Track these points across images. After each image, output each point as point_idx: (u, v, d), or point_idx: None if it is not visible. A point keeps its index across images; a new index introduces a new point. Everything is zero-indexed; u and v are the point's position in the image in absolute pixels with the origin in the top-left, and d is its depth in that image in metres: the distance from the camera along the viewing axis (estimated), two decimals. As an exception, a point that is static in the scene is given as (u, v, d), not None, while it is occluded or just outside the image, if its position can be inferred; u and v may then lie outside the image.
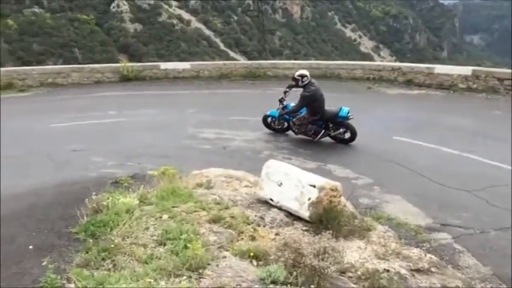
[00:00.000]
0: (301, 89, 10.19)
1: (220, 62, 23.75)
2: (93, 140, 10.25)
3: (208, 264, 4.15)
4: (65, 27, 79.21)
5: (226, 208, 5.42)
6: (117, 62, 24.95)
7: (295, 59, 57.67)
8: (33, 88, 17.26)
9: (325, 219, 5.09)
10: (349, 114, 9.99)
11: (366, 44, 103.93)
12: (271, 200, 5.59)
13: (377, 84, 16.77)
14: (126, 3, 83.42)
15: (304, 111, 10.21)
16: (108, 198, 5.59)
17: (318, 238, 4.23)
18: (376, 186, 7.75)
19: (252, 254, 4.37)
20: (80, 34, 79.23)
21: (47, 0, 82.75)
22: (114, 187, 6.52)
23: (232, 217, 5.16)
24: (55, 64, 58.43)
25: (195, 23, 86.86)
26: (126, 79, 18.27)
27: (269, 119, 10.99)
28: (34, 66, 24.19)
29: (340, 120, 10.10)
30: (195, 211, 5.37)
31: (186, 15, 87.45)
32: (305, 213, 5.22)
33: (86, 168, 8.05)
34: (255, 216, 5.33)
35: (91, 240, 4.64)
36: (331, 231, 4.46)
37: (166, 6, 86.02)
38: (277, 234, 5.00)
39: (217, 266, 4.15)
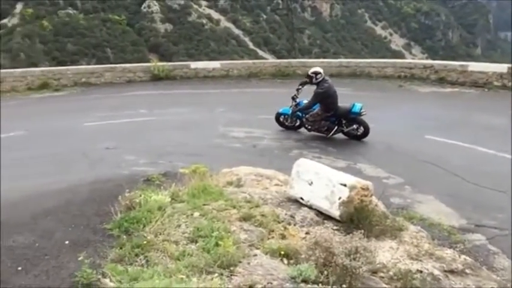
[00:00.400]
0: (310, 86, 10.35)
1: (250, 61, 23.80)
2: (125, 138, 10.44)
3: (240, 262, 4.18)
4: (97, 28, 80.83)
5: (257, 206, 5.44)
6: (147, 61, 25.40)
7: (324, 58, 57.28)
8: (67, 87, 17.68)
9: (356, 218, 5.05)
10: (362, 111, 10.05)
11: (397, 42, 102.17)
12: (302, 198, 5.58)
13: (408, 82, 16.51)
14: (156, 3, 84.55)
15: (317, 108, 10.28)
16: (141, 196, 5.70)
17: (349, 237, 4.21)
18: (408, 185, 7.64)
19: (282, 252, 4.39)
20: (112, 34, 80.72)
21: (81, 2, 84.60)
22: (146, 185, 6.63)
23: (262, 215, 5.18)
24: (88, 64, 59.74)
25: (224, 23, 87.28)
26: (157, 78, 18.52)
27: (281, 117, 11.09)
28: (68, 66, 24.80)
29: (353, 117, 10.18)
30: (226, 209, 5.41)
31: (215, 15, 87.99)
32: (335, 213, 5.20)
33: (118, 166, 8.18)
34: (285, 214, 5.34)
35: (125, 237, 4.74)
36: (362, 231, 4.43)
37: (196, 6, 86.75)
38: (307, 233, 4.99)
39: (248, 263, 4.18)
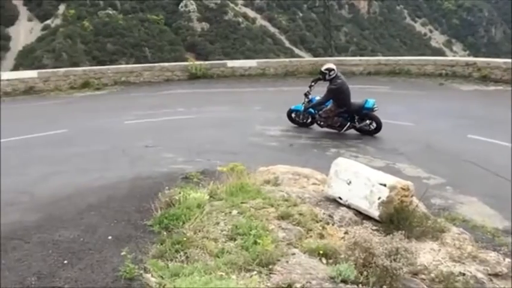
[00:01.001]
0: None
1: (286, 60, 23.76)
2: (163, 136, 10.61)
3: (278, 261, 4.19)
4: (136, 28, 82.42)
5: (295, 205, 5.43)
6: (184, 60, 25.72)
7: (361, 55, 56.53)
8: (108, 86, 18.12)
9: (396, 219, 4.97)
10: (374, 106, 10.16)
11: (437, 39, 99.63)
12: (340, 198, 5.54)
13: (450, 80, 16.11)
14: (193, 2, 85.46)
15: (330, 104, 10.44)
16: (180, 193, 5.78)
17: (389, 238, 4.15)
18: (449, 186, 7.46)
19: (321, 251, 4.37)
20: (150, 34, 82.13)
21: (120, 2, 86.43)
22: (184, 182, 6.72)
23: (300, 214, 5.17)
24: (127, 63, 60.92)
25: (260, 21, 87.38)
26: (194, 77, 18.74)
27: (293, 114, 11.20)
28: (109, 66, 25.41)
29: (366, 112, 10.29)
30: (264, 207, 5.43)
31: (251, 13, 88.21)
32: (375, 213, 5.14)
33: (157, 164, 8.30)
34: (324, 214, 5.31)
35: (165, 233, 4.83)
36: (402, 232, 4.35)
37: (232, 5, 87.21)
38: (346, 232, 4.96)
39: (287, 262, 4.18)
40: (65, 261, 4.38)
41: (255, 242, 4.42)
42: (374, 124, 10.30)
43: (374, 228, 5.05)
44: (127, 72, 19.40)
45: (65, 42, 77.83)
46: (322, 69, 10.55)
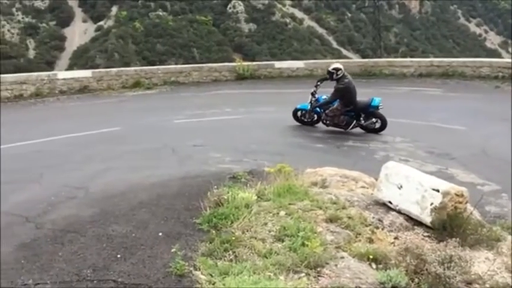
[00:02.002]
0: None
1: (334, 60, 23.47)
2: (211, 136, 10.74)
3: (327, 264, 4.17)
4: (185, 29, 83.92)
5: (343, 208, 5.38)
6: (231, 61, 25.93)
7: (412, 56, 55.15)
8: (157, 86, 18.54)
9: (449, 226, 4.82)
10: (380, 104, 10.40)
11: (493, 40, 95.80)
12: (390, 202, 5.43)
13: (507, 83, 15.44)
14: (241, 3, 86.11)
15: (336, 103, 10.63)
16: (228, 193, 5.83)
17: (442, 245, 4.04)
18: (505, 193, 7.15)
19: (370, 256, 4.31)
20: (198, 35, 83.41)
21: (170, 4, 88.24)
22: (232, 182, 6.77)
23: (349, 218, 5.11)
24: (175, 63, 62.14)
25: (308, 22, 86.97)
26: (241, 78, 18.89)
27: (299, 113, 11.37)
28: (159, 66, 26.01)
29: (371, 111, 10.52)
30: (312, 209, 5.41)
31: (299, 14, 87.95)
32: (427, 219, 5.00)
33: (205, 163, 8.41)
34: (373, 218, 5.23)
35: (214, 232, 4.89)
36: (456, 239, 4.22)
37: (280, 6, 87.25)
38: (396, 238, 4.86)
39: (336, 266, 4.15)
40: (118, 255, 4.52)
41: (303, 244, 4.42)
42: (379, 122, 10.53)
43: (425, 234, 4.93)
44: (176, 72, 19.79)
45: (117, 42, 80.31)
46: (330, 69, 10.77)
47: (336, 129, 10.84)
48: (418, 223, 5.15)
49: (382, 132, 10.53)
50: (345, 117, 10.69)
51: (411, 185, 5.24)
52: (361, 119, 10.65)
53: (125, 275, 4.15)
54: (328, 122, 10.91)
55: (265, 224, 5.08)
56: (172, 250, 4.48)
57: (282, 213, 5.31)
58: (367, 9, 72.44)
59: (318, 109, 11.05)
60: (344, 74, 10.61)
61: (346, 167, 7.32)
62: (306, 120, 11.37)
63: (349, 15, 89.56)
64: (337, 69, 10.61)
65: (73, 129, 11.04)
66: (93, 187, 6.88)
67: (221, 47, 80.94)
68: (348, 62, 22.42)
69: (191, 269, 4.18)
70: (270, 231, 4.89)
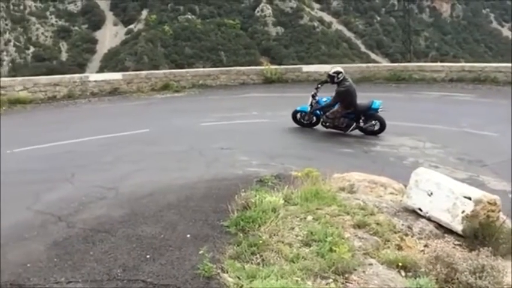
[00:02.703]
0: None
1: (363, 65, 23.31)
2: (238, 139, 10.80)
3: (354, 270, 4.14)
4: (213, 32, 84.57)
5: (372, 214, 5.33)
6: (258, 64, 25.98)
7: (442, 61, 54.09)
8: (186, 89, 18.74)
9: (481, 234, 4.73)
10: (380, 107, 10.61)
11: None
12: (420, 209, 5.36)
13: (541, 89, 15.01)
14: (269, 7, 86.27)
15: (337, 106, 10.84)
16: (256, 196, 5.85)
17: (474, 254, 3.95)
18: (539, 202, 6.94)
19: (400, 263, 4.25)
20: (226, 38, 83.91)
21: (199, 7, 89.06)
22: (259, 185, 6.78)
23: (377, 224, 5.07)
24: (203, 66, 62.63)
25: (336, 25, 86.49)
26: (269, 81, 18.92)
27: (298, 115, 11.59)
28: (188, 69, 26.26)
29: (371, 113, 10.72)
30: (339, 215, 5.38)
31: (327, 17, 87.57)
32: (458, 227, 4.92)
33: (233, 166, 8.45)
34: (402, 225, 5.16)
35: (241, 235, 4.92)
36: (489, 248, 4.13)
37: (308, 9, 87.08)
38: (426, 245, 4.79)
39: (364, 272, 4.12)
40: (148, 256, 4.59)
41: (331, 250, 4.40)
42: (378, 124, 10.71)
43: (456, 242, 4.84)
44: (204, 75, 19.98)
45: (146, 45, 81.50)
46: (331, 72, 11.02)
47: (366, 135, 10.76)
48: (448, 231, 5.07)
49: (413, 138, 10.38)
50: (345, 119, 10.93)
51: (442, 192, 5.16)
52: (361, 121, 10.86)
53: (154, 275, 4.22)
54: (328, 124, 11.16)
55: (293, 228, 5.08)
56: (200, 252, 4.53)
57: (309, 218, 5.30)
58: (397, 13, 71.71)
59: (317, 111, 11.28)
60: (345, 77, 10.89)
61: (374, 173, 7.25)
62: (305, 122, 11.61)
63: (378, 18, 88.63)
64: (338, 73, 10.89)
65: (104, 130, 11.26)
66: (123, 188, 7.00)
67: (248, 51, 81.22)
68: (376, 66, 22.17)
69: (219, 271, 4.21)
70: (297, 236, 4.89)
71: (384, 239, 4.82)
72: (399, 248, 4.71)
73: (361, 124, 10.86)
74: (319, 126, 11.45)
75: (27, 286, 4.11)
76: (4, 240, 5.07)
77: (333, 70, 11.07)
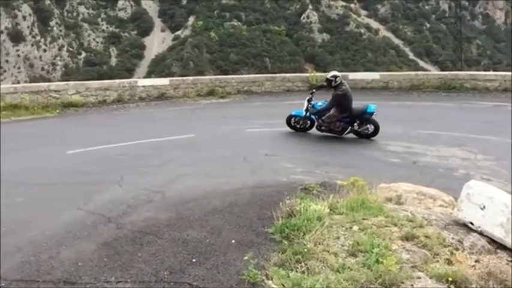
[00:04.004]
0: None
1: (412, 73, 22.80)
2: (283, 146, 10.82)
3: (402, 283, 4.04)
4: (258, 38, 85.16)
5: (420, 227, 5.19)
6: (303, 71, 25.94)
7: (495, 70, 52.29)
8: (231, 95, 18.93)
9: (537, 252, 4.51)
10: (375, 111, 10.92)
11: None
12: (471, 223, 5.17)
13: None
14: (315, 14, 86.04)
15: (333, 110, 11.08)
16: (301, 204, 5.82)
17: (530, 273, 3.78)
18: None
19: (450, 278, 4.11)
20: (271, 44, 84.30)
21: (245, 14, 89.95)
22: (304, 193, 6.75)
23: (426, 237, 4.93)
24: (248, 73, 63.15)
25: (384, 32, 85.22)
26: (314, 88, 18.79)
27: (293, 120, 11.84)
28: (233, 75, 26.55)
29: (367, 117, 11.01)
30: (386, 226, 5.27)
31: (374, 24, 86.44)
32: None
33: (277, 173, 8.44)
34: (452, 239, 5.00)
35: (286, 242, 4.90)
36: (546, 267, 3.94)
37: (354, 16, 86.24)
38: (477, 261, 4.61)
39: (412, 285, 4.02)
40: (193, 260, 4.65)
41: (378, 261, 4.31)
42: (372, 127, 11.03)
43: (510, 259, 4.63)
44: (250, 81, 20.12)
45: (192, 51, 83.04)
46: (328, 76, 11.30)
47: (417, 144, 10.51)
48: (501, 246, 4.86)
49: (463, 149, 10.06)
50: (341, 123, 11.18)
51: (495, 206, 4.96)
52: (355, 124, 11.15)
53: (200, 279, 4.27)
54: (323, 128, 11.39)
55: (338, 237, 5.02)
56: (245, 258, 4.55)
57: (355, 228, 5.23)
58: (448, 20, 69.85)
59: (311, 116, 11.51)
60: (341, 81, 11.18)
61: (423, 184, 7.07)
62: (299, 126, 11.82)
63: (428, 25, 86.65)
64: (335, 77, 11.13)
65: (151, 134, 11.54)
66: (169, 191, 7.13)
67: (293, 57, 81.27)
68: (426, 74, 21.61)
69: (263, 278, 4.22)
70: (342, 246, 4.82)
71: (433, 253, 4.68)
72: (449, 262, 4.56)
73: (356, 127, 11.18)
74: (313, 130, 11.71)
75: (79, 284, 4.25)
76: (58, 239, 5.28)
77: (331, 74, 11.32)
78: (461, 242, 4.95)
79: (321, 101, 11.50)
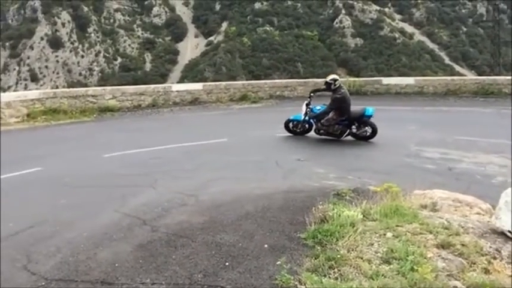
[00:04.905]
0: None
1: (448, 78, 22.38)
2: (314, 151, 10.80)
3: (438, 292, 3.97)
4: (290, 43, 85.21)
5: (456, 234, 5.08)
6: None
7: (535, 74, 50.55)
8: (263, 100, 19.05)
9: None
10: (373, 114, 11.19)
11: None
12: (510, 232, 5.03)
13: None
14: (349, 18, 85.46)
15: (331, 113, 11.30)
16: (333, 210, 5.80)
17: None
18: None
19: (487, 288, 4.02)
20: (304, 49, 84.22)
21: (277, 19, 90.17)
22: (337, 199, 6.71)
23: (463, 245, 4.82)
24: (280, 77, 63.25)
25: (419, 36, 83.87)
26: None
27: (291, 124, 12.14)
28: (266, 80, 26.66)
29: (365, 120, 11.28)
30: (421, 233, 5.18)
31: (409, 28, 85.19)
32: (553, 253, 4.56)
33: (309, 178, 8.41)
34: (490, 247, 4.87)
35: (318, 248, 4.89)
36: None
37: (389, 20, 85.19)
38: (516, 271, 4.48)
39: (448, 294, 3.94)
40: (227, 263, 4.69)
41: (412, 269, 4.25)
42: (370, 130, 11.30)
43: (551, 270, 4.49)
44: (282, 86, 20.18)
45: (225, 57, 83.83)
46: (328, 79, 11.51)
47: (453, 150, 10.30)
48: (542, 257, 4.71)
49: (502, 155, 9.80)
50: (339, 126, 11.41)
51: (535, 215, 4.82)
52: (354, 127, 11.41)
53: (233, 283, 4.30)
54: (322, 131, 11.62)
55: (372, 244, 4.97)
56: (278, 263, 4.56)
57: (389, 234, 5.16)
58: (486, 23, 68.11)
59: (310, 119, 11.79)
60: (340, 84, 11.39)
61: (459, 191, 6.91)
62: (298, 130, 12.09)
63: (465, 29, 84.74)
64: (334, 80, 11.37)
65: (185, 138, 11.72)
66: (202, 195, 7.22)
67: (325, 62, 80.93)
68: (462, 79, 21.18)
69: (296, 283, 4.21)
70: (376, 252, 4.77)
71: (469, 261, 4.58)
72: (486, 271, 4.45)
73: (354, 130, 11.43)
74: (311, 133, 11.99)
75: (115, 285, 4.36)
76: (96, 240, 5.43)
77: (330, 77, 11.56)
78: (499, 251, 4.82)
79: (319, 105, 11.80)
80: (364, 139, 11.38)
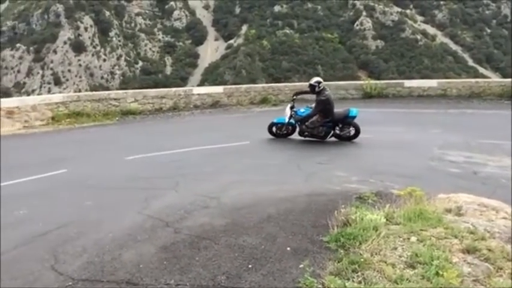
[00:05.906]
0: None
1: (472, 80, 22.00)
2: (336, 154, 10.73)
3: (463, 297, 3.92)
4: (310, 46, 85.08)
5: (482, 239, 5.01)
6: (356, 78, 25.67)
7: (562, 76, 49.39)
8: (284, 103, 18.96)
9: None
10: (357, 115, 11.44)
11: None
12: (538, 237, 4.94)
13: None
14: (369, 20, 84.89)
15: (316, 115, 11.44)
16: (356, 213, 5.77)
17: None
18: None
19: (514, 294, 3.96)
20: (324, 52, 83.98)
21: (297, 22, 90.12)
22: (359, 202, 6.68)
23: (489, 250, 4.75)
24: (299, 80, 63.12)
25: (441, 38, 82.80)
26: (368, 96, 18.60)
27: (274, 127, 12.28)
28: (286, 83, 26.64)
29: (349, 121, 11.51)
30: (446, 238, 5.12)
31: (431, 30, 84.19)
32: None
33: (331, 181, 8.37)
34: (517, 253, 4.79)
35: (341, 251, 4.87)
36: None
37: (410, 22, 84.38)
38: (544, 277, 4.39)
39: (474, 300, 3.89)
40: (249, 266, 4.71)
41: (437, 274, 4.20)
42: (354, 130, 11.53)
43: None
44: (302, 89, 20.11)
45: (245, 60, 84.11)
46: (312, 82, 11.64)
47: (477, 154, 10.15)
48: None
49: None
50: (324, 128, 11.59)
51: None
52: (337, 128, 11.62)
53: (256, 285, 4.32)
54: (307, 133, 11.76)
55: (395, 248, 4.92)
56: (301, 266, 4.56)
57: (413, 238, 5.11)
58: (509, 25, 66.92)
59: (293, 122, 12.00)
60: (324, 87, 11.54)
61: (484, 195, 6.80)
62: (281, 133, 12.24)
63: (488, 30, 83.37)
64: (319, 82, 11.53)
65: (207, 141, 11.80)
66: (224, 198, 7.25)
67: (346, 64, 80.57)
68: (486, 81, 20.78)
69: (319, 286, 4.21)
70: (400, 257, 4.73)
71: (496, 266, 4.51)
72: (514, 277, 4.38)
73: (338, 131, 11.65)
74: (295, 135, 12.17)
75: (140, 285, 4.42)
76: (121, 242, 5.51)
77: (314, 80, 11.70)
78: (527, 256, 4.73)
79: (302, 107, 11.99)
80: (347, 139, 11.60)
